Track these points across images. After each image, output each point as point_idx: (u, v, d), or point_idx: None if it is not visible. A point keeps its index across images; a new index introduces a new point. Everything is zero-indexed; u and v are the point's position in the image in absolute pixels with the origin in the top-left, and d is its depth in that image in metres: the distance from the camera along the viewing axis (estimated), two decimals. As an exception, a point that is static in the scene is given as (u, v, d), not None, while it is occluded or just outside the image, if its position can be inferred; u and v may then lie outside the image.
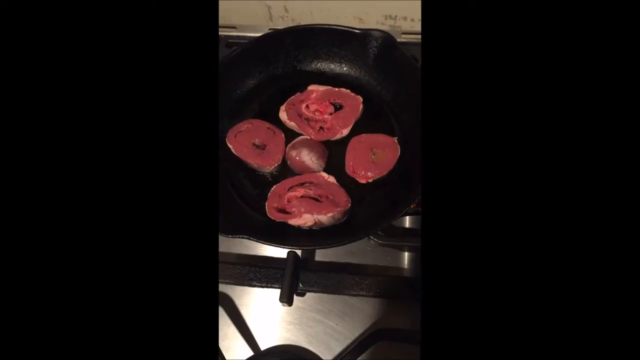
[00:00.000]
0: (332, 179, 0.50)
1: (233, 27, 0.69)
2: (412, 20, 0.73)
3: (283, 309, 0.49)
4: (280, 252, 0.51)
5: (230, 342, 0.48)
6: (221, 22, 0.74)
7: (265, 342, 0.48)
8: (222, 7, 0.75)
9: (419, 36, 0.69)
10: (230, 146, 0.52)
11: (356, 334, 0.47)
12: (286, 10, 0.78)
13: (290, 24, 0.81)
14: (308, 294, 0.50)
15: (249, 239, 0.43)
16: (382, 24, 0.76)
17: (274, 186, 0.50)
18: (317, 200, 0.48)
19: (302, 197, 0.48)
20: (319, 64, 0.60)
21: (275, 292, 0.48)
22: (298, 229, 0.48)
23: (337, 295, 0.48)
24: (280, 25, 0.79)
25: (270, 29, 0.69)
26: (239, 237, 0.43)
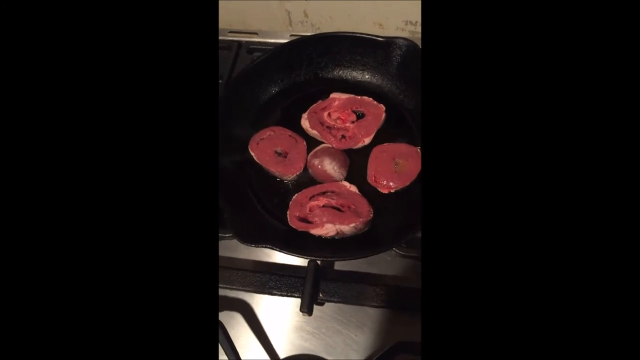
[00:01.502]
0: (354, 189, 0.49)
1: (254, 33, 0.69)
2: (434, 26, 0.72)
3: (302, 317, 0.49)
4: (300, 260, 0.51)
5: (249, 350, 0.48)
6: (241, 27, 0.75)
7: (284, 351, 0.48)
8: (242, 11, 0.75)
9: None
10: (252, 154, 0.52)
11: (376, 346, 0.47)
12: (306, 15, 0.78)
13: (310, 29, 0.81)
14: (327, 304, 0.49)
15: (272, 248, 0.43)
16: (402, 29, 0.75)
17: (296, 195, 0.50)
18: (339, 210, 0.47)
19: (324, 206, 0.47)
20: (341, 72, 0.60)
21: (295, 301, 0.48)
22: (319, 238, 0.48)
23: (356, 306, 0.48)
24: (300, 30, 0.79)
25: (291, 35, 0.69)
26: (262, 247, 0.43)
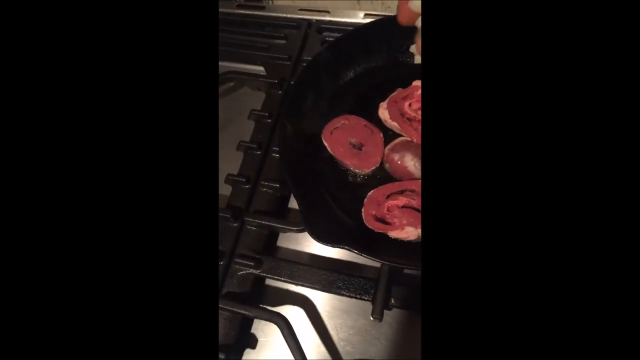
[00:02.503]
0: (436, 189, 0.45)
1: (326, 12, 0.64)
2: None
3: (368, 321, 0.46)
4: (368, 260, 0.47)
5: (311, 348, 0.46)
6: (311, 5, 0.70)
7: (347, 353, 0.46)
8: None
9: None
10: (325, 144, 0.49)
11: None
12: (376, -8, 0.72)
13: (380, 8, 0.75)
14: (395, 309, 0.46)
15: (350, 250, 0.40)
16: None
17: (371, 191, 0.46)
18: (419, 211, 0.43)
19: (403, 206, 0.43)
20: (424, 57, 0.55)
21: (360, 303, 0.45)
22: (393, 240, 0.44)
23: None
24: (369, 8, 0.73)
25: (365, 15, 0.64)
26: (339, 247, 0.40)
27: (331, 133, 0.49)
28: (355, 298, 0.45)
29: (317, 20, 0.64)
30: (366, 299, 0.45)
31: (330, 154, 0.49)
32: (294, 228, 0.48)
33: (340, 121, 0.50)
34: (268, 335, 0.48)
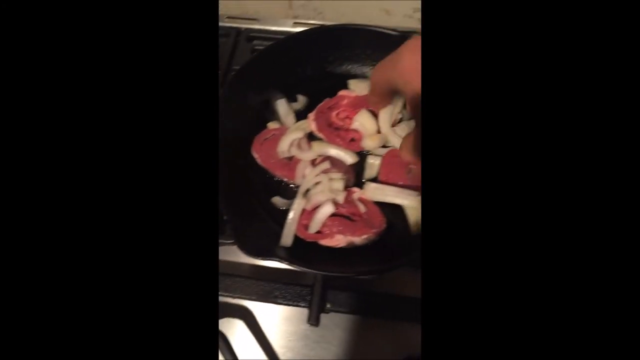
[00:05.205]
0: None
1: (254, 19, 0.64)
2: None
3: (308, 326, 0.47)
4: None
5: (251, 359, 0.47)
6: (240, 12, 0.69)
7: (289, 361, 0.47)
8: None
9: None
10: (255, 155, 0.49)
11: (387, 358, 0.46)
12: (308, -3, 0.73)
13: (312, 14, 0.76)
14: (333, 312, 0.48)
15: (280, 261, 0.41)
16: (411, 16, 0.72)
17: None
18: (349, 219, 0.45)
19: (333, 215, 0.45)
20: (349, 67, 0.56)
21: (300, 309, 0.46)
22: (326, 247, 0.46)
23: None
24: (301, 14, 0.74)
25: (295, 23, 0.64)
26: (269, 260, 0.41)
27: (261, 144, 0.50)
28: (293, 306, 0.46)
29: (246, 29, 0.64)
30: (303, 305, 0.46)
31: (260, 166, 0.49)
32: (227, 242, 0.48)
33: (271, 132, 0.51)
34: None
